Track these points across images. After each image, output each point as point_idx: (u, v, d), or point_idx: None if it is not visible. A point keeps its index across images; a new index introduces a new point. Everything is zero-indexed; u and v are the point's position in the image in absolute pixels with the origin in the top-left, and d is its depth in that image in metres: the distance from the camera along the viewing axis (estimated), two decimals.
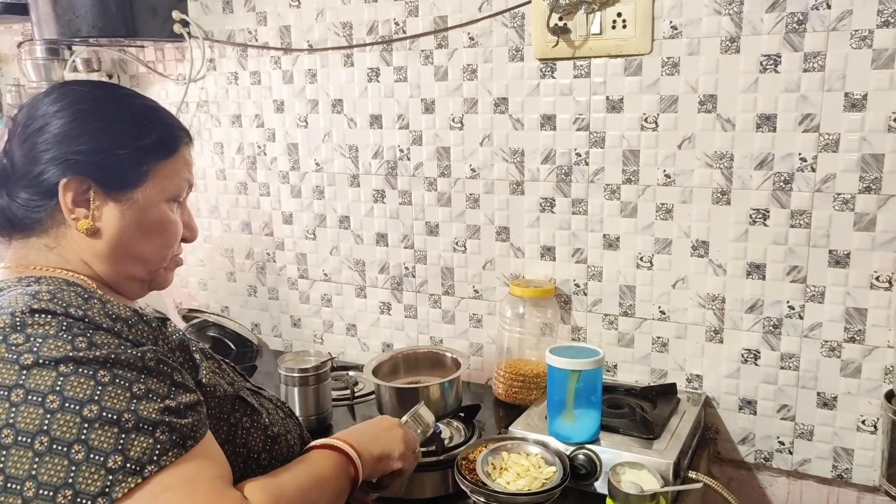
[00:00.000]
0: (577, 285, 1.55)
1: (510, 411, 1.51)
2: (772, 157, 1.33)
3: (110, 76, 1.99)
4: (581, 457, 1.25)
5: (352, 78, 1.68)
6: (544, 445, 1.24)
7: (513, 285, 1.54)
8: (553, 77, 1.47)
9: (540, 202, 1.54)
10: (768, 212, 1.35)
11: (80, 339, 0.74)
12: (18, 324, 0.74)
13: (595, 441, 1.27)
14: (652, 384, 1.49)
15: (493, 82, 1.53)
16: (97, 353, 0.73)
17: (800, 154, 1.30)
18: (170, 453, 0.72)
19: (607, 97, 1.43)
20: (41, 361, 0.71)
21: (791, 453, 1.42)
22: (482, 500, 1.14)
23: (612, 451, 1.24)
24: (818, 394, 1.37)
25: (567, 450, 1.25)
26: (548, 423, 1.31)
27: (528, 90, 1.50)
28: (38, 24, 1.73)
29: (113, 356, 0.74)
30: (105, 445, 0.70)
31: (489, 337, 1.67)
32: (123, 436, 0.70)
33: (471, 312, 1.68)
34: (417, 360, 1.50)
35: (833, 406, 1.36)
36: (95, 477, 0.69)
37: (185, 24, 1.78)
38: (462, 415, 1.43)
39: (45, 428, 0.69)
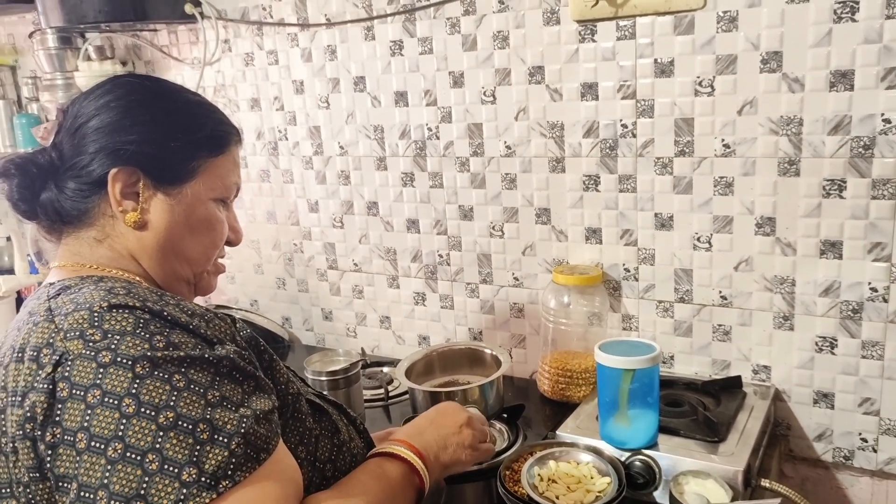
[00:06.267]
0: (627, 270, 1.41)
1: (557, 409, 1.39)
2: (849, 119, 1.16)
3: (124, 63, 1.90)
4: (638, 464, 1.12)
5: (374, 52, 1.56)
6: (596, 452, 1.12)
7: (556, 272, 1.41)
8: (593, 40, 1.33)
9: (583, 180, 1.40)
10: (845, 182, 1.19)
11: (158, 337, 0.72)
12: (97, 320, 0.71)
13: (653, 445, 1.14)
14: (714, 377, 1.36)
15: (527, 49, 1.39)
16: (174, 354, 0.71)
17: (882, 115, 1.14)
18: (244, 467, 0.69)
19: (655, 60, 1.28)
20: (118, 360, 0.69)
21: (875, 451, 1.27)
22: None
23: (672, 458, 1.11)
24: None
25: (622, 456, 1.13)
26: (599, 427, 1.18)
27: (567, 56, 1.36)
28: (43, 13, 1.65)
29: (189, 359, 0.71)
30: (180, 456, 0.66)
31: (532, 328, 1.55)
32: (199, 447, 0.67)
33: (511, 302, 1.55)
34: (454, 358, 1.39)
35: None
36: (169, 489, 0.65)
37: (197, 3, 1.67)
38: (505, 415, 1.32)
39: (120, 434, 0.66)
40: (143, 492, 0.65)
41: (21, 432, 0.69)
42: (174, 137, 0.86)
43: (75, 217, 0.86)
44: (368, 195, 1.66)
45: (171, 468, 0.66)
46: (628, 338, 1.42)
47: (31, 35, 1.88)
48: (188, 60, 1.83)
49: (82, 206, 0.85)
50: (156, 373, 0.69)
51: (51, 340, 0.71)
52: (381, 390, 1.50)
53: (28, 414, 0.69)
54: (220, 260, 0.97)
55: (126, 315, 0.72)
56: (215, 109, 0.93)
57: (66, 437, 0.67)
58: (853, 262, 1.21)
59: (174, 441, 0.67)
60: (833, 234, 1.22)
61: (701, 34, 1.24)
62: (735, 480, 1.06)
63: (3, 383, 0.73)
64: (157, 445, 0.66)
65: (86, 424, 0.67)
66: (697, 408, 1.21)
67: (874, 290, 1.21)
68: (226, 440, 0.68)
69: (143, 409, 0.67)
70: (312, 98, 1.67)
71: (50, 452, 0.68)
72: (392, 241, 1.67)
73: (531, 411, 1.40)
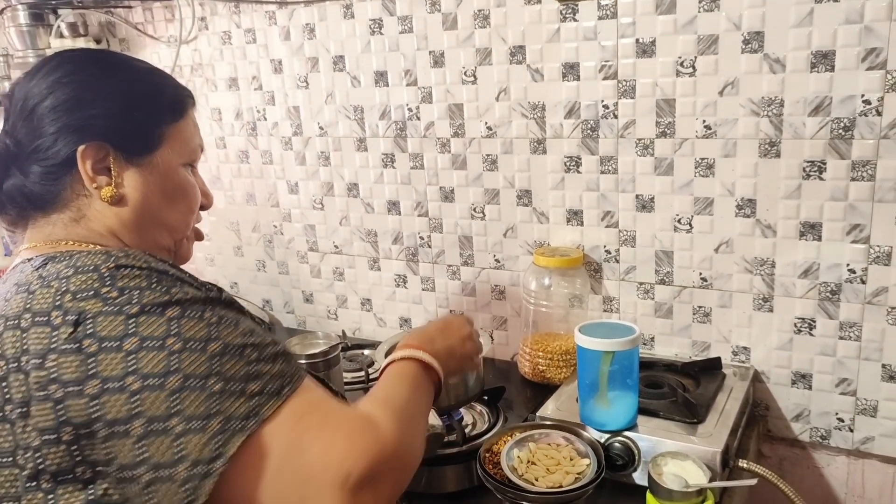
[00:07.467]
0: (608, 252, 1.40)
1: (538, 391, 1.40)
2: (829, 100, 1.16)
3: (98, 41, 1.86)
4: (617, 446, 1.13)
5: (353, 31, 1.53)
6: (576, 434, 1.12)
7: (537, 254, 1.40)
8: (575, 20, 1.31)
9: (564, 161, 1.39)
10: (825, 163, 1.19)
11: (174, 287, 0.73)
12: (108, 278, 0.72)
13: (632, 427, 1.14)
14: (694, 359, 1.36)
15: (508, 29, 1.37)
16: (197, 295, 0.74)
17: (863, 96, 1.14)
18: (294, 378, 0.74)
19: (637, 40, 1.27)
20: (147, 309, 0.70)
21: (851, 431, 1.28)
22: (508, 499, 1.03)
23: (651, 439, 1.12)
24: (883, 366, 1.23)
25: (601, 438, 1.13)
26: (579, 408, 1.18)
27: (548, 36, 1.34)
28: None
29: (209, 300, 0.74)
30: (239, 375, 0.70)
31: (513, 310, 1.54)
32: (250, 366, 0.71)
33: (492, 284, 1.55)
34: None
35: None
36: (239, 402, 0.69)
37: None
38: (485, 398, 1.32)
39: (175, 367, 0.68)
40: (216, 408, 0.68)
41: (43, 393, 0.68)
42: (137, 107, 0.85)
43: (48, 201, 0.84)
44: (349, 176, 1.65)
45: (234, 386, 0.69)
46: (609, 319, 1.42)
47: (1, 11, 1.83)
48: (164, 38, 1.80)
49: (53, 188, 0.83)
50: (187, 313, 0.71)
51: (58, 303, 0.70)
52: (362, 373, 1.49)
53: (53, 375, 0.68)
54: (196, 226, 0.97)
55: (136, 273, 0.73)
56: (167, 75, 0.93)
57: (109, 385, 0.67)
58: (832, 244, 1.22)
59: (229, 364, 0.70)
60: (813, 216, 1.22)
61: (682, 14, 1.22)
62: (713, 461, 1.07)
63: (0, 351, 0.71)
64: (215, 370, 0.69)
65: (132, 368, 0.67)
66: (677, 389, 1.22)
67: (852, 271, 1.21)
68: (271, 359, 0.73)
69: (189, 344, 0.69)
70: (291, 78, 1.64)
71: (94, 403, 0.67)
72: (373, 223, 1.65)
73: (512, 393, 1.40)
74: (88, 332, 0.68)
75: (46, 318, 0.70)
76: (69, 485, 0.67)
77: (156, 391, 0.67)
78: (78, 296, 0.70)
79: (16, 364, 0.69)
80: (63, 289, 0.71)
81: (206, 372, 0.68)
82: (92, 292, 0.70)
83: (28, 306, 0.72)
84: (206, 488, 0.66)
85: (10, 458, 0.69)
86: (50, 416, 0.68)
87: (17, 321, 0.71)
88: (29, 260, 0.80)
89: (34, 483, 0.68)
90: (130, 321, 0.69)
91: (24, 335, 0.70)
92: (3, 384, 0.70)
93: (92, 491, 0.67)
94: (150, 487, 0.66)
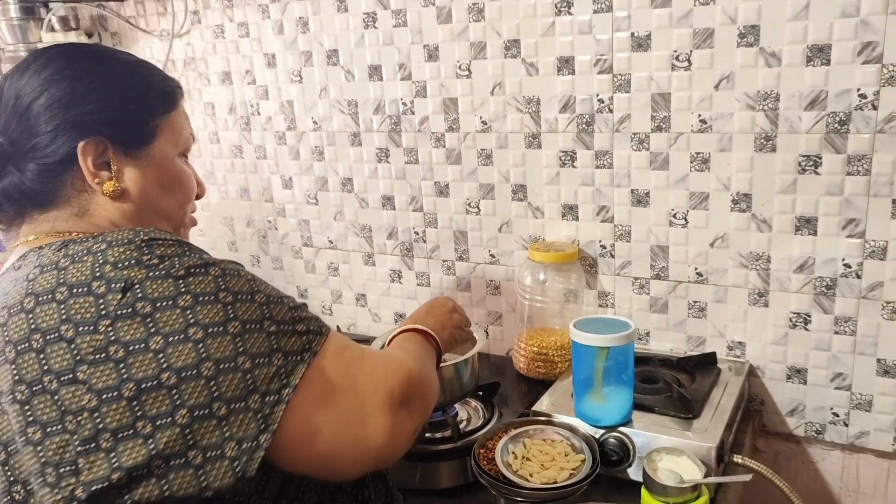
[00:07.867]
0: (604, 247, 1.40)
1: (533, 386, 1.39)
2: (825, 94, 1.15)
3: (90, 35, 1.84)
4: (612, 441, 1.13)
5: (347, 25, 1.52)
6: (571, 430, 1.12)
7: (532, 249, 1.40)
8: (570, 13, 1.30)
9: (559, 156, 1.39)
10: (820, 158, 1.18)
11: (204, 254, 0.78)
12: (145, 248, 0.75)
13: (627, 423, 1.14)
14: (689, 354, 1.36)
15: (503, 22, 1.36)
16: (224, 258, 0.78)
17: (859, 90, 1.13)
18: (323, 323, 0.81)
19: (632, 34, 1.26)
20: (192, 271, 0.74)
21: (846, 425, 1.28)
22: (503, 495, 1.03)
23: (646, 435, 1.11)
24: (878, 360, 1.23)
25: (596, 433, 1.13)
26: (574, 404, 1.18)
27: (543, 29, 1.33)
28: None
29: (236, 262, 0.79)
30: (287, 318, 0.76)
31: (508, 305, 1.54)
32: (292, 311, 0.78)
33: (487, 279, 1.54)
34: None
35: (895, 374, 1.22)
36: (293, 340, 0.76)
37: None
38: (480, 393, 1.31)
39: (232, 315, 0.73)
40: (276, 346, 0.74)
41: (101, 355, 0.69)
42: (131, 100, 0.87)
43: (48, 198, 0.85)
44: (343, 171, 1.64)
45: (286, 327, 0.75)
46: (604, 315, 1.41)
47: None
48: (156, 32, 1.78)
49: (52, 185, 0.84)
50: (227, 271, 0.75)
51: (97, 274, 0.72)
52: None
53: (112, 337, 0.70)
54: (191, 214, 1.00)
55: (169, 243, 0.76)
56: (154, 66, 0.94)
57: (173, 338, 0.70)
58: (827, 239, 1.21)
59: (276, 310, 0.76)
60: (808, 211, 1.21)
61: (678, 7, 1.22)
62: (708, 457, 1.06)
63: (32, 325, 0.72)
64: (266, 315, 0.74)
65: (192, 321, 0.71)
66: (672, 384, 1.22)
67: (848, 266, 1.21)
68: (302, 306, 0.80)
69: (239, 296, 0.74)
70: (285, 72, 1.63)
71: (161, 356, 0.70)
72: (367, 218, 1.64)
73: (507, 389, 1.40)
74: (139, 296, 0.71)
75: (86, 288, 0.72)
76: (129, 441, 0.68)
77: (219, 336, 0.71)
78: (119, 265, 0.73)
79: (55, 335, 0.70)
80: (100, 261, 0.73)
81: (260, 317, 0.74)
82: (133, 261, 0.73)
83: (62, 280, 0.73)
84: (278, 415, 0.72)
85: (59, 426, 0.69)
86: (111, 376, 0.69)
87: (50, 295, 0.72)
88: (40, 248, 0.80)
89: (92, 444, 0.68)
90: (180, 282, 0.72)
91: (62, 306, 0.71)
92: (41, 356, 0.71)
93: (153, 444, 0.68)
94: (225, 420, 0.70)
